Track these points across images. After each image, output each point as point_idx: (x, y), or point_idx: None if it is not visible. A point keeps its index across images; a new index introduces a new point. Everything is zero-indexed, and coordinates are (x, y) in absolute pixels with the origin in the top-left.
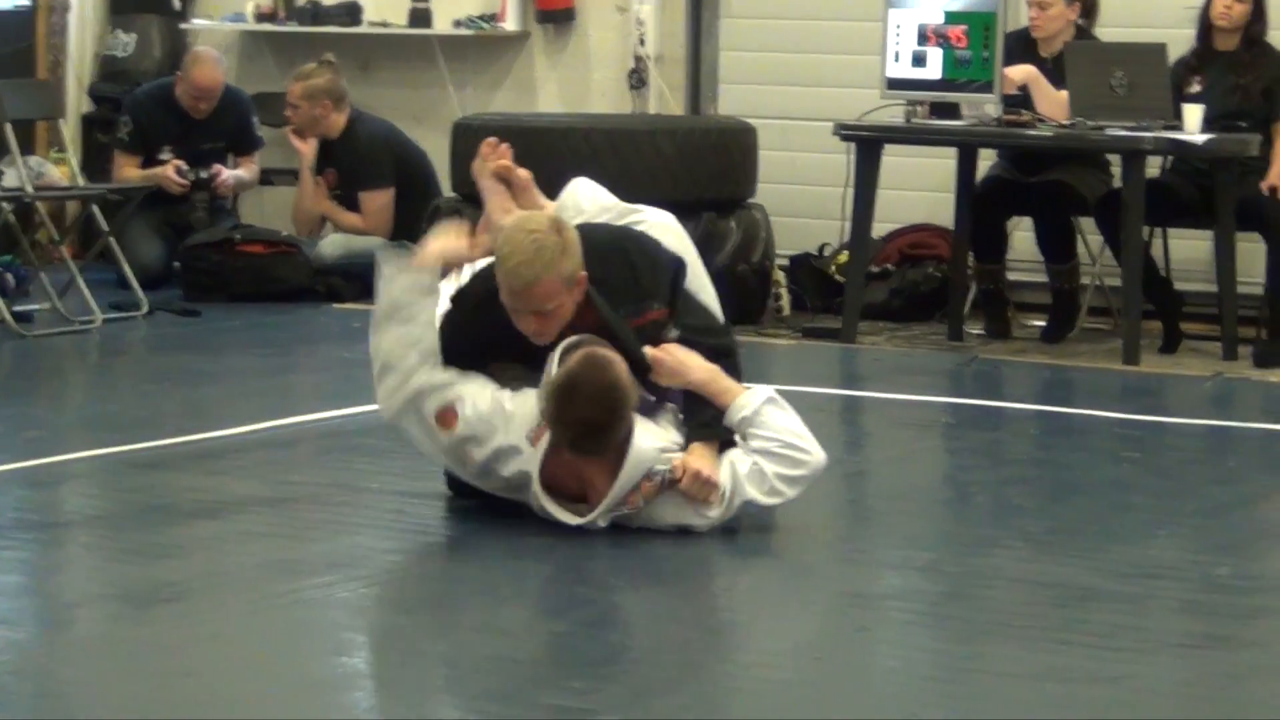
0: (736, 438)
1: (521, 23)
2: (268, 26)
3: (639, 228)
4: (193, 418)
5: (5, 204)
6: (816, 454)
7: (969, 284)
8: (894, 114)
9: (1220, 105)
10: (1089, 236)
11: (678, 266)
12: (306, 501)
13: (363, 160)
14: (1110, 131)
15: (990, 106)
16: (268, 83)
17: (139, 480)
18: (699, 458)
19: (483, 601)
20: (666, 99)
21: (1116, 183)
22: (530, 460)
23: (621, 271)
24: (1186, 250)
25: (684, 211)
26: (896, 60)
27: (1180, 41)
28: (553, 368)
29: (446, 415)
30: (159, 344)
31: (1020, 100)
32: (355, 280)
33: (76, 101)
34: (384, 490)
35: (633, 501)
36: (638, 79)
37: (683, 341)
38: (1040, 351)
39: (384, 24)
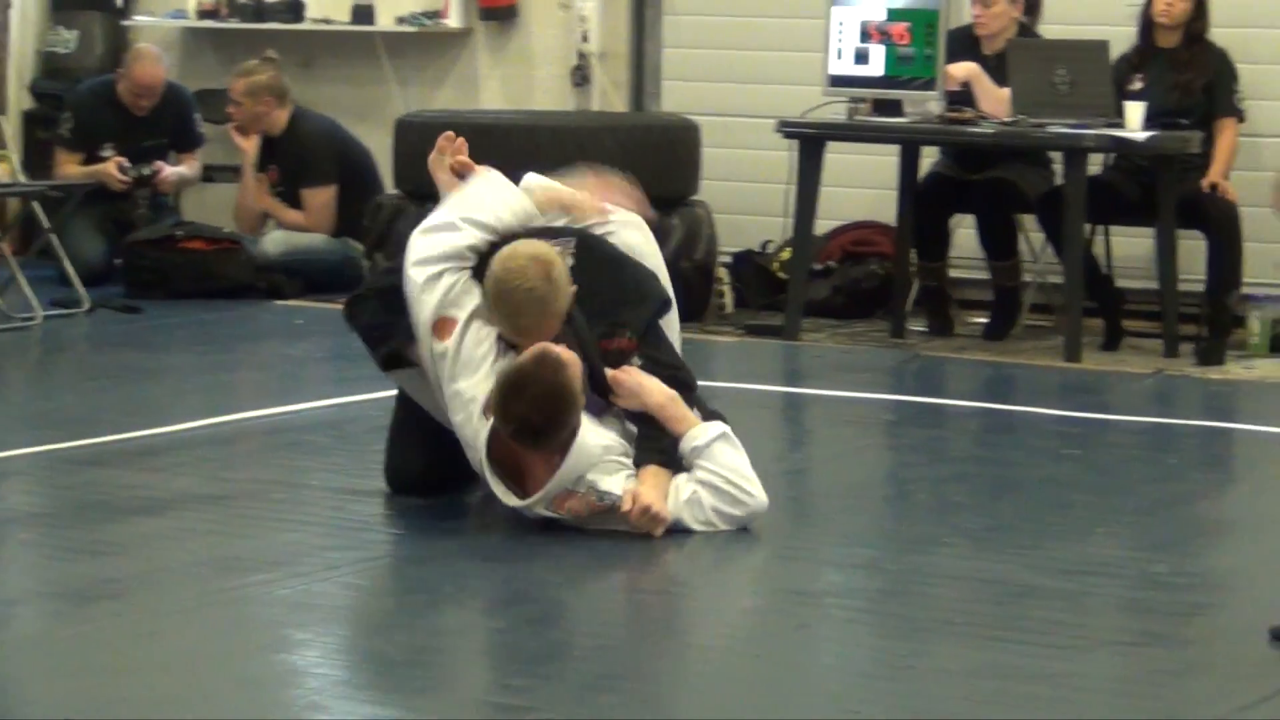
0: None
1: (464, 20)
2: (209, 23)
3: (610, 238)
4: (133, 415)
5: None
6: (759, 496)
7: (911, 281)
8: (837, 111)
9: (1162, 103)
10: (1031, 234)
11: (661, 305)
12: (247, 498)
13: (305, 157)
14: (1052, 129)
15: (933, 104)
16: (210, 79)
17: (79, 477)
18: (650, 488)
19: (423, 599)
20: (609, 96)
21: (1058, 180)
22: (481, 428)
23: (610, 291)
24: (1128, 247)
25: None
26: (839, 57)
27: (1122, 39)
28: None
29: (446, 324)
30: (100, 341)
31: (962, 97)
32: (297, 277)
33: (17, 98)
34: (324, 487)
35: (566, 507)
36: (581, 76)
37: (644, 368)
38: (982, 349)
39: (326, 21)
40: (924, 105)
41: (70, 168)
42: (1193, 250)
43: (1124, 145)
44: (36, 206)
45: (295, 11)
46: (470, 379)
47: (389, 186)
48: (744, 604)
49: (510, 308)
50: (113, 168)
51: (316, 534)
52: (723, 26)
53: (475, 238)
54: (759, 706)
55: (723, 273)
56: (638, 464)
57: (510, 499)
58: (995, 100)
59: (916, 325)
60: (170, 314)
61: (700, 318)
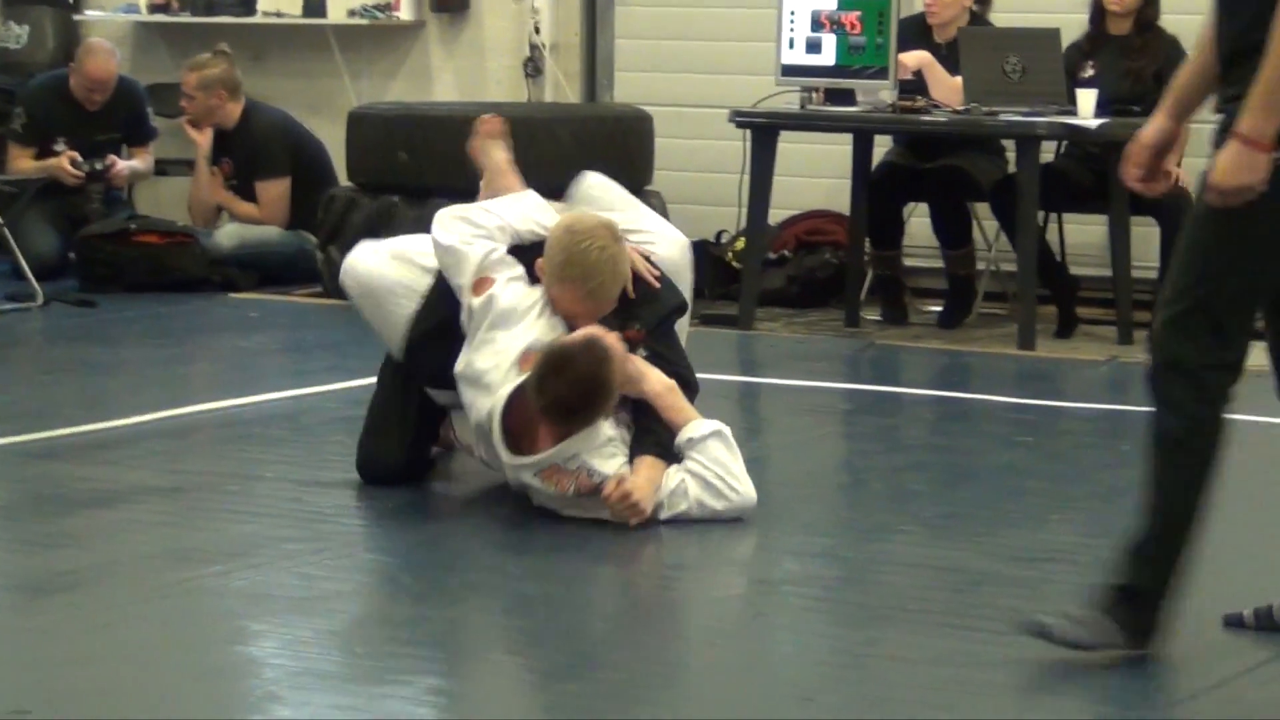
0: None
1: (416, 12)
2: (161, 17)
3: (649, 248)
4: (88, 408)
5: None
6: (746, 492)
7: (865, 270)
8: (789, 101)
9: (1113, 90)
10: (984, 222)
11: (675, 308)
12: (202, 490)
13: (258, 150)
14: (1004, 117)
15: (885, 92)
16: (162, 73)
17: (33, 470)
18: (642, 479)
19: (379, 589)
20: (562, 87)
21: (1011, 168)
22: (506, 381)
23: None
24: (1081, 235)
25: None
26: (791, 47)
27: (1073, 27)
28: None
29: (484, 283)
30: (54, 335)
31: (915, 86)
32: (251, 270)
33: None
34: (279, 479)
35: (554, 480)
36: (533, 67)
37: (648, 359)
38: (936, 337)
39: (278, 14)
40: (876, 94)
41: (23, 162)
42: (1146, 237)
43: (1076, 133)
44: None
45: (247, 5)
46: (508, 330)
47: (342, 179)
48: (702, 593)
49: (583, 269)
50: (66, 162)
51: (272, 525)
52: (675, 17)
53: (504, 223)
54: (717, 694)
55: None
56: (633, 455)
57: (504, 452)
58: (947, 89)
59: (871, 314)
60: (124, 307)
61: None
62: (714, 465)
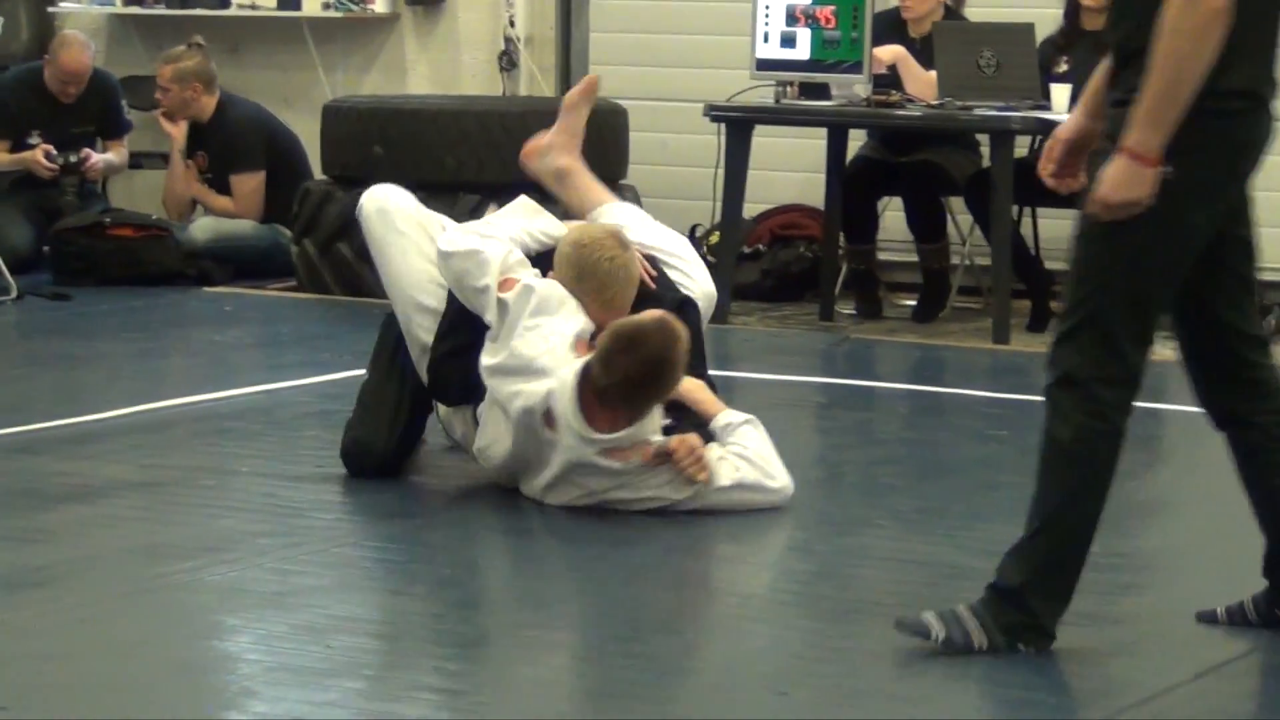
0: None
1: (391, 5)
2: (135, 9)
3: (686, 285)
4: (63, 402)
5: None
6: (783, 480)
7: (840, 264)
8: (764, 95)
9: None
10: (959, 216)
11: (677, 305)
12: (176, 485)
13: (233, 143)
14: (979, 111)
15: (859, 87)
16: (136, 66)
17: (7, 465)
18: (697, 442)
19: (355, 584)
20: (537, 81)
21: (985, 162)
22: (563, 363)
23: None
24: (1055, 229)
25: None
26: (766, 41)
27: (1048, 22)
28: None
29: (509, 282)
30: (29, 328)
31: (889, 80)
32: (226, 263)
33: None
34: (254, 474)
35: (619, 456)
36: (508, 61)
37: None
38: (911, 331)
39: (253, 6)
40: (851, 88)
41: None
42: None
43: (1050, 127)
44: None
45: None
46: (552, 316)
47: (317, 172)
48: (676, 588)
49: (597, 280)
50: (40, 155)
51: (247, 520)
52: (649, 11)
53: (509, 235)
54: (691, 688)
55: None
56: (670, 435)
57: (579, 425)
58: (922, 83)
59: (845, 308)
60: (99, 301)
61: None
62: (754, 454)
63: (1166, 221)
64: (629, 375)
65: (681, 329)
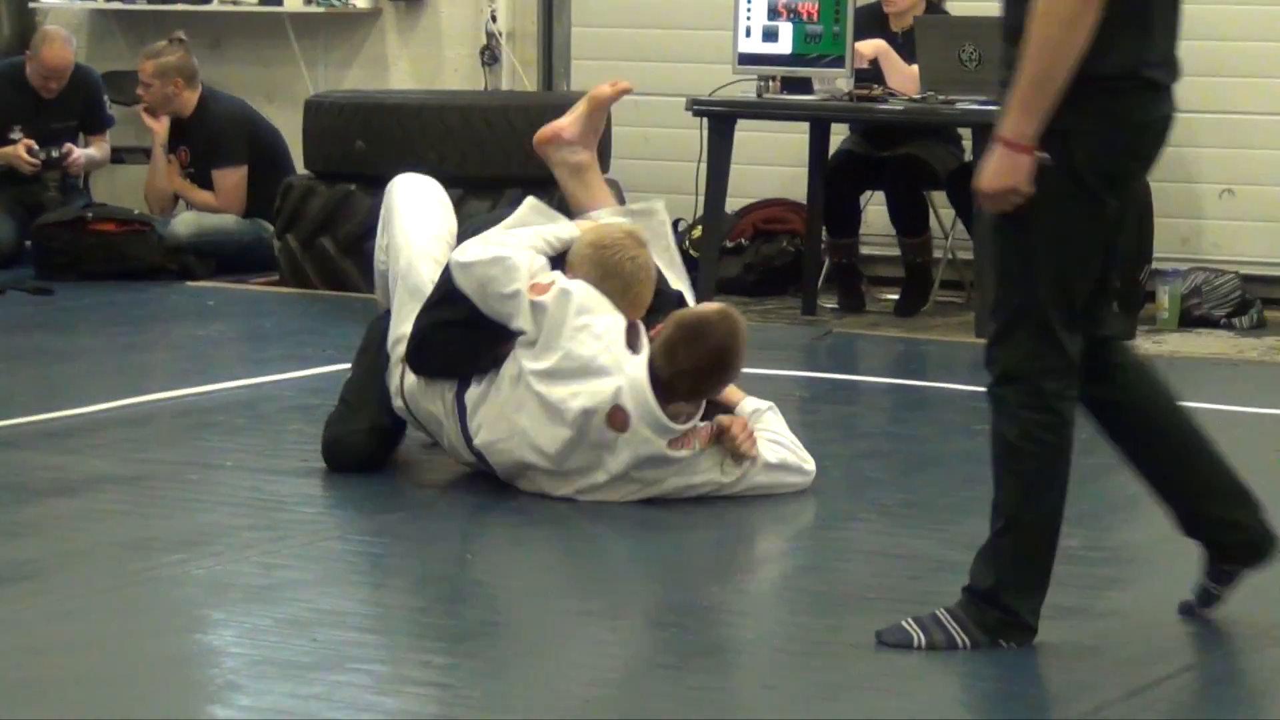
0: None
1: (373, 0)
2: (117, 4)
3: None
4: (46, 396)
5: None
6: (810, 464)
7: (822, 258)
8: (746, 89)
9: None
10: (941, 210)
11: (675, 301)
12: (160, 479)
13: (215, 138)
14: (961, 105)
15: (841, 81)
16: (118, 61)
17: None
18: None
19: (339, 578)
20: (519, 75)
21: (968, 157)
22: (626, 357)
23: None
24: None
25: (539, 188)
26: (748, 35)
27: None
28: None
29: (539, 286)
30: (12, 323)
31: (871, 75)
32: (208, 258)
33: None
34: (238, 467)
35: (688, 442)
36: (490, 56)
37: None
38: (893, 325)
39: (235, 1)
40: (833, 83)
41: None
42: None
43: None
44: None
45: None
46: (597, 316)
47: (299, 167)
48: (659, 582)
49: (622, 280)
50: (22, 150)
51: (231, 514)
52: (631, 5)
53: (525, 242)
54: (675, 682)
55: None
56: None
57: (662, 417)
58: (904, 77)
59: (828, 302)
60: (82, 296)
61: None
62: (784, 438)
63: (1080, 205)
64: (698, 365)
65: (741, 319)
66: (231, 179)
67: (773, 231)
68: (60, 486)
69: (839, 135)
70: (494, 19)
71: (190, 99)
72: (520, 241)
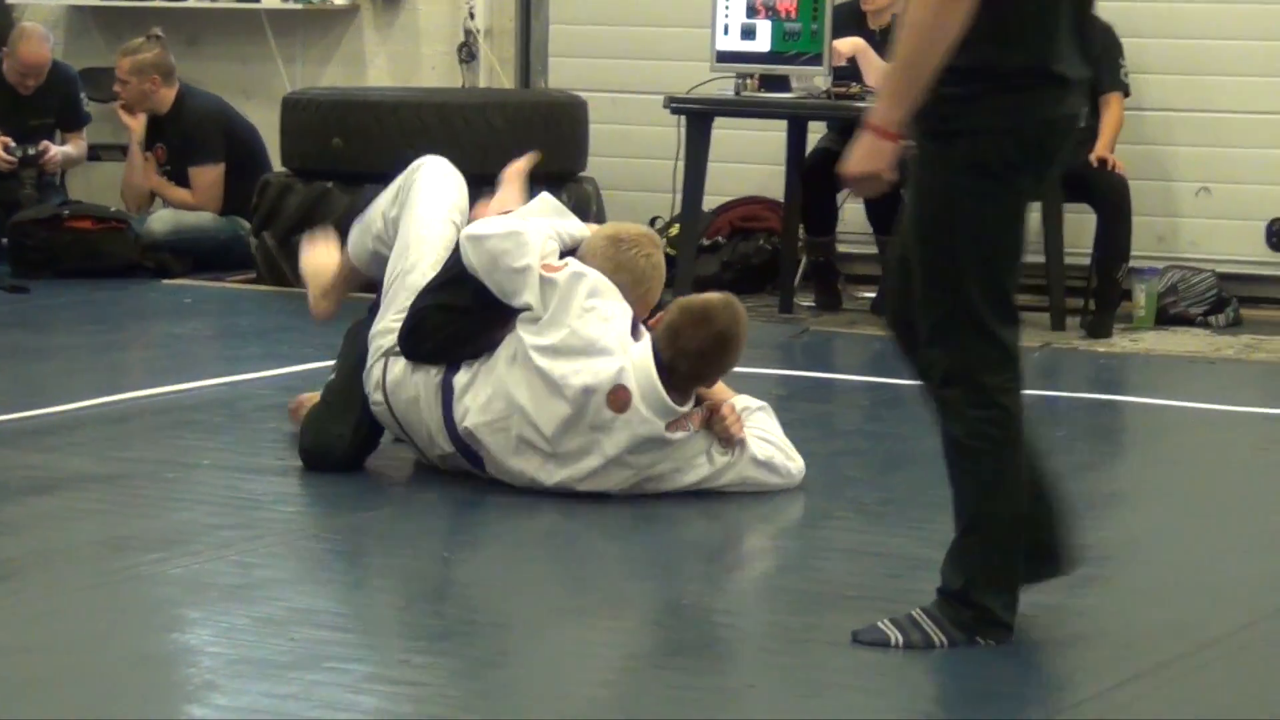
0: None
1: None
2: (94, 1)
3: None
4: (23, 394)
5: None
6: (798, 463)
7: (800, 256)
8: (724, 87)
9: None
10: None
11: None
12: (138, 478)
13: (192, 135)
14: None
15: (819, 79)
16: (95, 58)
17: None
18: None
19: (316, 576)
20: (497, 73)
21: None
22: (631, 343)
23: None
24: None
25: None
26: (726, 33)
27: None
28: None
29: (551, 266)
30: None
31: (849, 73)
32: (185, 256)
33: None
34: (216, 466)
35: (684, 425)
36: (468, 53)
37: None
38: (871, 323)
39: None
40: (811, 80)
41: None
42: (1078, 223)
43: None
44: None
45: None
46: (606, 300)
47: (276, 164)
48: (639, 579)
49: (634, 276)
50: None
51: (209, 512)
52: (609, 3)
53: (539, 226)
54: (654, 681)
55: None
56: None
57: (666, 398)
58: (881, 75)
59: (805, 300)
60: (58, 293)
61: None
62: (774, 437)
63: (996, 201)
64: (701, 349)
65: (742, 307)
66: (208, 176)
67: (750, 229)
68: (38, 485)
69: (816, 133)
70: (472, 16)
71: (167, 96)
72: (534, 224)
